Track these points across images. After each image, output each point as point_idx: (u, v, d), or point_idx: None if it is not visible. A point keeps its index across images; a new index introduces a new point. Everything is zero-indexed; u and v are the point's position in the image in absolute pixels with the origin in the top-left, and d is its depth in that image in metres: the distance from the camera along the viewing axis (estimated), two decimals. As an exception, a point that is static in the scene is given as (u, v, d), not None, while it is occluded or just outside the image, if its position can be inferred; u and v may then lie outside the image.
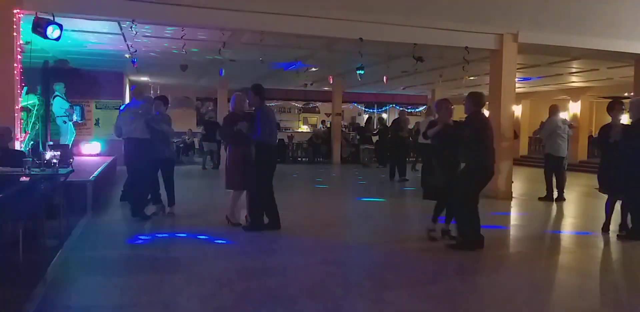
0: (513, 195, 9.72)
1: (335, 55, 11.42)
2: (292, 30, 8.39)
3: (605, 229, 6.47)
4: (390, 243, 5.95)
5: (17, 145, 7.07)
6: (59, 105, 11.45)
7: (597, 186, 6.69)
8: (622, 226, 6.34)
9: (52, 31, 7.08)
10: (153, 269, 4.75)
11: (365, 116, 25.15)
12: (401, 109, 16.32)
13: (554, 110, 9.59)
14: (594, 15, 9.59)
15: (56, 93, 11.53)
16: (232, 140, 6.34)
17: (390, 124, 14.88)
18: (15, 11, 6.98)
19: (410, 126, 13.29)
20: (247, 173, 6.18)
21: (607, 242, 6.23)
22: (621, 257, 5.76)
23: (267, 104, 6.62)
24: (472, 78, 14.36)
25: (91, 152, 13.00)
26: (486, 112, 12.06)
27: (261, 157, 6.15)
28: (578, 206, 9.67)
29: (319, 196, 10.33)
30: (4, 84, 6.95)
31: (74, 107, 11.69)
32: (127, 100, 14.60)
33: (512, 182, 9.90)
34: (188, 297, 3.89)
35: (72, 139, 11.63)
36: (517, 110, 19.07)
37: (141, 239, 5.87)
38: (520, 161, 17.77)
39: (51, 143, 10.78)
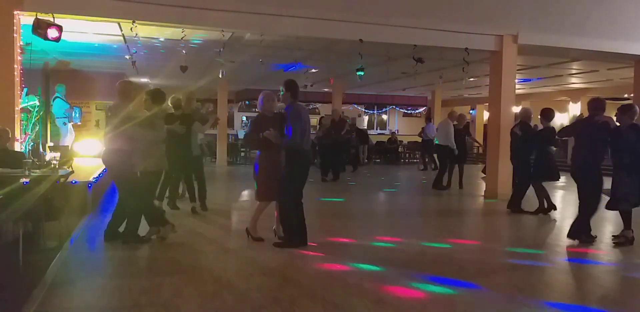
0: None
1: (335, 56, 11.43)
2: (292, 32, 8.41)
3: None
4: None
5: (17, 147, 7.07)
6: (59, 106, 11.46)
7: None
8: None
9: (52, 32, 7.09)
10: (153, 270, 4.75)
11: (366, 117, 25.20)
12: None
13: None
14: (594, 17, 9.60)
15: (57, 94, 11.54)
16: (258, 147, 5.68)
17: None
18: (15, 12, 6.99)
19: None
20: (276, 182, 5.51)
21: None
22: None
23: (300, 103, 5.67)
24: (472, 79, 14.38)
25: (91, 154, 12.98)
26: (485, 114, 12.09)
27: (292, 164, 5.42)
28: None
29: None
30: (4, 85, 6.96)
31: (74, 109, 11.71)
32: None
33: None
34: (188, 299, 3.89)
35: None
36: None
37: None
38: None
39: (51, 144, 10.79)
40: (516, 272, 4.97)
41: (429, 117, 17.28)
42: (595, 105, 6.07)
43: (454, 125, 11.03)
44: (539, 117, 7.95)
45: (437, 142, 11.28)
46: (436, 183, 11.14)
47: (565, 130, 6.93)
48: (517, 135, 7.94)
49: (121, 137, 5.41)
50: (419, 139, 16.92)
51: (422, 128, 16.62)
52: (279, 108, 5.92)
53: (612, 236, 6.18)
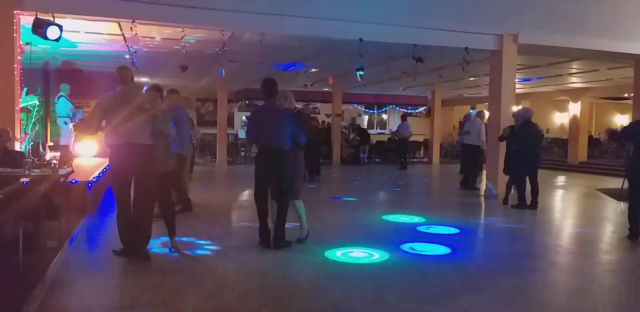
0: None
1: (335, 56, 11.43)
2: (292, 32, 8.40)
3: (505, 202, 8.71)
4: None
5: (17, 146, 7.07)
6: (63, 105, 11.45)
7: None
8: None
9: (52, 32, 7.09)
10: (153, 269, 4.75)
11: (366, 117, 25.18)
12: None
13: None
14: (594, 16, 9.60)
15: (61, 93, 11.52)
16: None
17: None
18: (15, 12, 6.99)
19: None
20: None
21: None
22: None
23: (273, 101, 5.56)
24: (472, 79, 14.38)
25: (91, 153, 12.97)
26: (486, 114, 12.14)
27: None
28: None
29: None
30: (4, 84, 6.95)
31: (79, 110, 11.71)
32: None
33: None
34: (188, 298, 3.89)
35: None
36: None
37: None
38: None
39: (51, 144, 10.79)
40: (517, 272, 4.97)
41: (404, 116, 17.49)
42: None
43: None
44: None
45: (464, 141, 11.35)
46: (467, 184, 11.02)
47: (625, 133, 6.77)
48: (541, 133, 8.66)
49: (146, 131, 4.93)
50: (421, 138, 16.98)
51: (397, 127, 16.91)
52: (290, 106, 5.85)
53: None
